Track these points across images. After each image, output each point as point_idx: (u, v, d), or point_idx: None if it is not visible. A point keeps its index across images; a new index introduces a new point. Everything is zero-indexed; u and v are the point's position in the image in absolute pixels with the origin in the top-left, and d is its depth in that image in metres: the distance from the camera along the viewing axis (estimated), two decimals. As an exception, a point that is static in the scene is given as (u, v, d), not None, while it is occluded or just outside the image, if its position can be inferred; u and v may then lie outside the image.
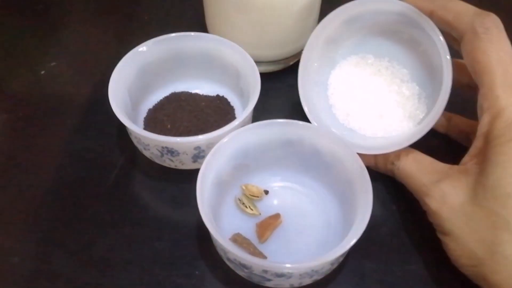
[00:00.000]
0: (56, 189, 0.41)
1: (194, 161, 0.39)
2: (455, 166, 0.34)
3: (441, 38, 0.35)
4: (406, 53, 0.42)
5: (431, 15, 0.34)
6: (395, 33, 0.41)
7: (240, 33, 0.45)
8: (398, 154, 0.37)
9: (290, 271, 0.30)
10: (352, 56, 0.44)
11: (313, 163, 0.38)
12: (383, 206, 0.40)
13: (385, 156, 0.38)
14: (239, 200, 0.38)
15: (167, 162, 0.39)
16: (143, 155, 0.41)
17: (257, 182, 0.39)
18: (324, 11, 0.48)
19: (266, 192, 0.39)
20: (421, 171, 0.35)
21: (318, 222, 0.38)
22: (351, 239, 0.31)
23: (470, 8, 0.32)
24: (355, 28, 0.42)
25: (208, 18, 0.49)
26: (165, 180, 0.41)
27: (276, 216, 0.37)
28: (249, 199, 0.38)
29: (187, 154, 0.38)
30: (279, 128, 0.37)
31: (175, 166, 0.40)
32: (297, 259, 0.35)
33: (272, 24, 0.44)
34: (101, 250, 0.37)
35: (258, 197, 0.38)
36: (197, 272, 0.36)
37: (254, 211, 0.37)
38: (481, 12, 0.31)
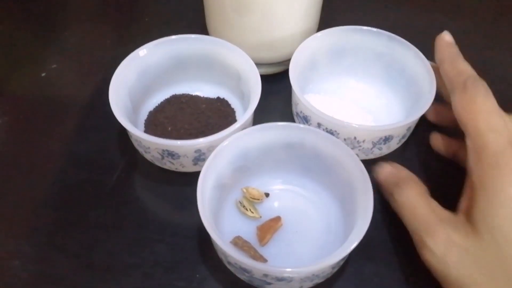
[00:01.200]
0: (57, 192, 0.41)
1: (195, 164, 0.39)
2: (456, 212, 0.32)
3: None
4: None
5: (441, 63, 0.39)
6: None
7: (241, 35, 0.45)
8: (398, 183, 0.35)
9: (290, 275, 0.30)
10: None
11: (313, 166, 0.38)
12: (385, 209, 0.40)
13: (384, 183, 0.37)
14: (240, 203, 0.38)
15: (168, 165, 0.39)
16: (144, 158, 0.41)
17: (258, 185, 0.39)
18: (324, 13, 0.48)
19: (267, 194, 0.39)
20: (426, 207, 0.32)
21: (319, 225, 0.37)
22: (352, 243, 0.31)
23: (472, 72, 0.36)
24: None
25: (209, 20, 0.49)
26: (165, 183, 0.41)
27: (277, 219, 0.37)
28: (250, 202, 0.38)
29: (187, 157, 0.38)
30: (279, 131, 0.37)
31: (176, 168, 0.40)
32: (298, 262, 0.35)
33: (272, 26, 0.44)
34: (102, 254, 0.37)
35: (258, 200, 0.38)
36: (197, 276, 0.36)
37: (255, 214, 0.37)
38: (476, 77, 0.35)
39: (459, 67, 0.36)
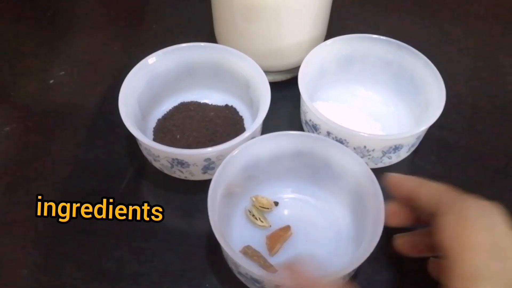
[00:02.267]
0: (65, 199, 0.40)
1: (204, 172, 0.39)
2: None
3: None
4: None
5: (415, 190, 0.32)
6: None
7: (249, 43, 0.45)
8: None
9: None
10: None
11: (323, 174, 0.38)
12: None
13: None
14: (249, 211, 0.38)
15: (177, 173, 0.39)
16: (152, 166, 0.41)
17: (268, 193, 0.39)
18: (332, 21, 0.48)
19: (276, 203, 0.39)
20: None
21: (328, 233, 0.37)
22: (364, 254, 0.30)
23: (455, 191, 0.31)
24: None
25: (217, 29, 0.49)
26: (174, 191, 0.41)
27: (286, 228, 0.37)
28: (259, 211, 0.38)
29: (197, 166, 0.38)
30: (289, 139, 0.37)
31: (185, 177, 0.40)
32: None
33: (281, 34, 0.44)
34: (111, 262, 0.37)
35: (268, 208, 0.38)
36: (207, 285, 0.35)
37: (264, 223, 0.37)
38: (463, 195, 0.30)
39: (438, 189, 0.31)
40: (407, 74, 0.44)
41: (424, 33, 0.57)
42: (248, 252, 0.35)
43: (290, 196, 0.40)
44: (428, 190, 0.31)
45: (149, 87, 0.43)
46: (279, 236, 0.36)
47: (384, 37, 0.44)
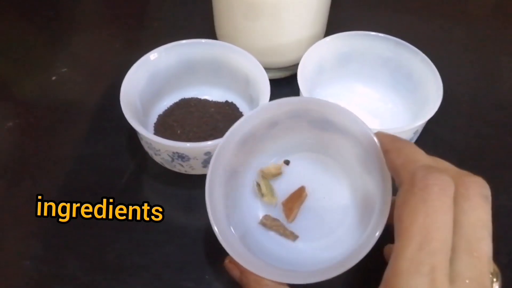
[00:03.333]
0: (67, 193, 0.41)
1: (204, 166, 0.39)
2: None
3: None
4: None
5: (385, 153, 0.29)
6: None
7: (249, 40, 0.46)
8: None
9: (312, 280, 0.29)
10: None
11: (327, 128, 0.35)
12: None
13: None
14: (258, 185, 0.36)
15: (178, 167, 0.40)
16: (153, 160, 0.42)
17: (272, 157, 0.37)
18: (332, 18, 0.49)
19: (287, 162, 0.37)
20: None
21: (343, 185, 0.36)
22: (370, 243, 0.28)
23: (423, 158, 0.26)
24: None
25: (218, 26, 0.49)
26: (175, 185, 0.42)
27: (301, 191, 0.36)
28: (268, 184, 0.36)
29: (197, 159, 0.38)
30: (281, 106, 0.34)
31: (185, 171, 0.40)
32: (329, 233, 0.34)
33: (280, 31, 0.45)
34: (112, 255, 0.37)
35: (278, 174, 0.36)
36: (206, 277, 0.36)
37: (271, 200, 0.35)
38: (431, 167, 0.24)
39: (409, 154, 0.27)
40: (405, 71, 0.45)
41: (423, 30, 0.57)
42: (267, 222, 0.35)
43: (298, 154, 0.38)
44: (396, 157, 0.27)
45: (150, 83, 0.43)
46: (295, 200, 0.35)
47: (382, 34, 0.45)
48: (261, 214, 0.36)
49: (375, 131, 0.31)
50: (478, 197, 0.24)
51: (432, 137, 0.45)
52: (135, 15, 0.60)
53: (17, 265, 0.37)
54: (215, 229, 0.31)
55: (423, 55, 0.43)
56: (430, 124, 0.41)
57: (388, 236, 0.26)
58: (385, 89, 0.47)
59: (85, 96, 0.49)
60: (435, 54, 0.44)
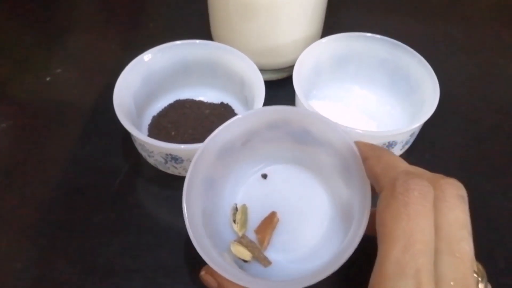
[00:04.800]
0: (60, 195, 0.41)
1: (198, 169, 0.39)
2: None
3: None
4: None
5: (365, 161, 0.29)
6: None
7: (245, 41, 0.45)
8: None
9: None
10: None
11: (304, 140, 0.35)
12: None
13: None
14: (236, 209, 0.36)
15: (171, 169, 0.39)
16: (147, 162, 0.41)
17: (250, 169, 0.37)
18: (328, 20, 0.49)
19: (264, 176, 0.38)
20: None
21: (320, 200, 0.36)
22: (354, 243, 0.28)
23: (402, 165, 0.27)
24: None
25: (213, 26, 0.49)
26: (169, 188, 0.41)
27: (272, 216, 0.35)
28: (245, 213, 0.36)
29: (190, 161, 0.38)
30: (259, 116, 0.34)
31: (179, 173, 0.40)
32: (307, 246, 0.34)
33: (276, 33, 0.45)
34: (104, 258, 0.37)
35: (247, 261, 0.35)
36: (199, 281, 0.35)
37: (239, 229, 0.35)
38: (410, 172, 0.25)
39: (389, 161, 0.27)
40: (402, 73, 0.44)
41: (420, 32, 0.57)
42: (243, 242, 0.34)
43: (273, 167, 0.38)
44: (376, 164, 0.28)
45: (145, 84, 0.43)
46: (267, 227, 0.35)
47: (379, 36, 0.44)
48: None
49: (354, 140, 0.31)
50: (455, 197, 0.24)
51: (429, 139, 0.45)
52: (131, 16, 0.59)
53: (8, 268, 0.36)
54: (193, 238, 0.30)
55: (420, 57, 0.43)
56: (427, 126, 0.41)
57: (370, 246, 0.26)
58: (382, 90, 0.46)
59: (79, 97, 0.49)
60: (432, 56, 0.44)
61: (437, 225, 0.23)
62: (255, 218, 0.36)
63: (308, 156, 0.36)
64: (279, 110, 0.34)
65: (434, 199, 0.24)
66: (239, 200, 0.37)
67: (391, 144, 0.39)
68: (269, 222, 0.35)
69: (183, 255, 0.37)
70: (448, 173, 0.42)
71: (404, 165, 0.27)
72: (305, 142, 0.35)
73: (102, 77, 0.50)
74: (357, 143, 0.31)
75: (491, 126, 0.47)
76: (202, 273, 0.30)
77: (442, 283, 0.22)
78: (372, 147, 0.29)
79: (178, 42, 0.43)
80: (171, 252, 0.37)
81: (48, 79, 0.51)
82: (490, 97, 0.50)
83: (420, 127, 0.40)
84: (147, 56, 0.42)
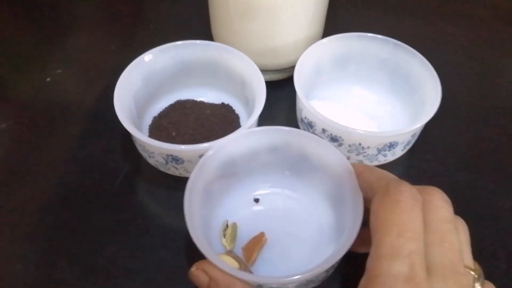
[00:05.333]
0: (61, 196, 0.41)
1: (199, 169, 0.39)
2: None
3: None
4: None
5: (359, 175, 0.33)
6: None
7: (245, 41, 0.45)
8: None
9: (284, 283, 0.30)
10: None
11: (301, 166, 0.38)
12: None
13: None
14: (226, 226, 0.37)
15: (172, 170, 0.39)
16: (148, 163, 0.41)
17: (245, 190, 0.39)
18: (329, 20, 0.49)
19: (256, 200, 0.39)
20: None
21: (311, 225, 0.37)
22: (344, 247, 0.30)
23: (394, 176, 0.30)
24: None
25: (214, 27, 0.49)
26: (169, 188, 0.41)
27: (260, 236, 0.36)
28: (234, 231, 0.37)
29: (192, 162, 0.38)
30: (264, 135, 0.36)
31: (180, 174, 0.40)
32: (294, 267, 0.34)
33: (277, 33, 0.44)
34: (105, 258, 0.36)
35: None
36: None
37: (228, 244, 0.36)
38: (401, 180, 0.28)
39: (381, 173, 0.31)
40: (403, 73, 0.44)
41: (421, 32, 0.57)
42: (231, 255, 0.35)
43: (269, 191, 0.39)
44: (370, 175, 0.31)
45: (145, 85, 0.43)
46: (254, 246, 0.36)
47: (380, 36, 0.44)
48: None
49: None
50: (441, 200, 0.27)
51: (430, 139, 0.45)
52: (131, 17, 0.59)
53: (9, 269, 0.36)
54: (192, 233, 0.31)
55: (421, 57, 0.42)
56: (428, 126, 0.41)
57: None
58: (383, 91, 0.46)
59: (79, 98, 0.49)
60: (433, 56, 0.43)
61: (426, 221, 0.26)
62: (244, 237, 0.37)
63: (302, 183, 0.39)
64: (281, 131, 0.36)
65: (422, 202, 0.26)
66: (231, 217, 0.37)
67: (392, 145, 0.39)
68: (257, 241, 0.36)
69: (184, 255, 0.37)
70: (449, 173, 0.43)
71: (395, 176, 0.30)
72: (300, 170, 0.38)
73: (102, 77, 0.50)
74: (353, 164, 0.34)
75: (493, 126, 0.47)
76: (193, 268, 0.31)
77: (433, 271, 0.24)
78: (367, 166, 0.33)
79: (178, 42, 0.43)
80: (172, 252, 0.37)
81: (48, 79, 0.50)
82: (491, 97, 0.50)
83: (421, 128, 0.40)
84: (147, 57, 0.42)
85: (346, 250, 0.30)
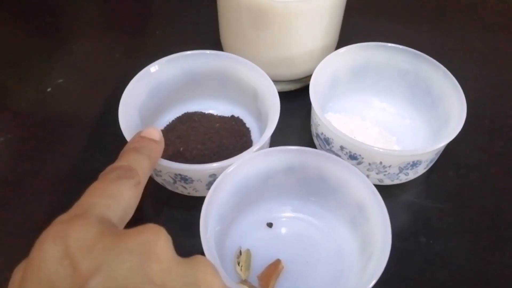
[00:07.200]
0: (62, 210, 0.38)
1: (209, 188, 0.36)
2: None
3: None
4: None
5: None
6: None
7: (257, 51, 0.43)
8: None
9: None
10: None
11: (319, 188, 0.36)
12: (411, 236, 0.37)
13: None
14: (240, 252, 0.35)
15: (180, 189, 0.37)
16: (154, 180, 0.39)
17: (260, 213, 0.37)
18: (345, 29, 0.46)
19: (270, 225, 0.37)
20: None
21: (330, 251, 0.35)
22: (370, 281, 0.28)
23: None
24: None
25: (223, 36, 0.47)
26: (175, 207, 0.39)
27: (276, 263, 0.34)
28: (249, 258, 0.35)
29: (201, 182, 0.35)
30: (279, 155, 0.35)
31: (188, 193, 0.37)
32: None
33: (291, 42, 0.42)
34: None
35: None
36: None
37: (243, 272, 0.34)
38: None
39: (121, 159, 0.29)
40: (424, 85, 0.42)
41: (441, 43, 0.55)
42: (245, 285, 0.33)
43: (285, 215, 0.37)
44: None
45: (151, 97, 0.40)
46: (271, 273, 0.34)
47: (400, 46, 0.42)
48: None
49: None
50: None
51: (453, 156, 0.42)
52: (136, 24, 0.57)
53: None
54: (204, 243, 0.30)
55: (445, 69, 0.40)
56: (451, 142, 0.38)
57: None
58: (403, 103, 0.44)
59: (82, 109, 0.47)
60: (455, 69, 0.41)
61: None
62: (258, 264, 0.35)
63: (319, 206, 0.37)
64: (298, 151, 0.35)
65: None
66: (244, 244, 0.36)
67: (415, 164, 0.37)
68: (274, 269, 0.34)
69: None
70: (472, 191, 0.40)
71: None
72: (317, 191, 0.36)
73: (106, 87, 0.48)
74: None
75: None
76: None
77: None
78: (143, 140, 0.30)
79: (187, 52, 0.41)
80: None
81: (49, 90, 0.48)
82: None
83: (445, 145, 0.38)
84: (154, 68, 0.40)
85: (381, 272, 0.28)
